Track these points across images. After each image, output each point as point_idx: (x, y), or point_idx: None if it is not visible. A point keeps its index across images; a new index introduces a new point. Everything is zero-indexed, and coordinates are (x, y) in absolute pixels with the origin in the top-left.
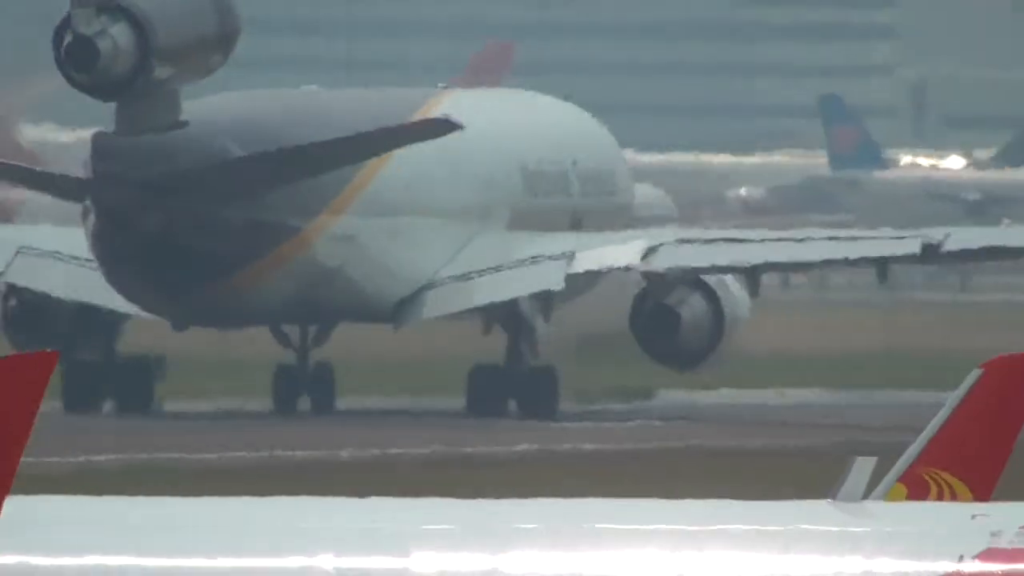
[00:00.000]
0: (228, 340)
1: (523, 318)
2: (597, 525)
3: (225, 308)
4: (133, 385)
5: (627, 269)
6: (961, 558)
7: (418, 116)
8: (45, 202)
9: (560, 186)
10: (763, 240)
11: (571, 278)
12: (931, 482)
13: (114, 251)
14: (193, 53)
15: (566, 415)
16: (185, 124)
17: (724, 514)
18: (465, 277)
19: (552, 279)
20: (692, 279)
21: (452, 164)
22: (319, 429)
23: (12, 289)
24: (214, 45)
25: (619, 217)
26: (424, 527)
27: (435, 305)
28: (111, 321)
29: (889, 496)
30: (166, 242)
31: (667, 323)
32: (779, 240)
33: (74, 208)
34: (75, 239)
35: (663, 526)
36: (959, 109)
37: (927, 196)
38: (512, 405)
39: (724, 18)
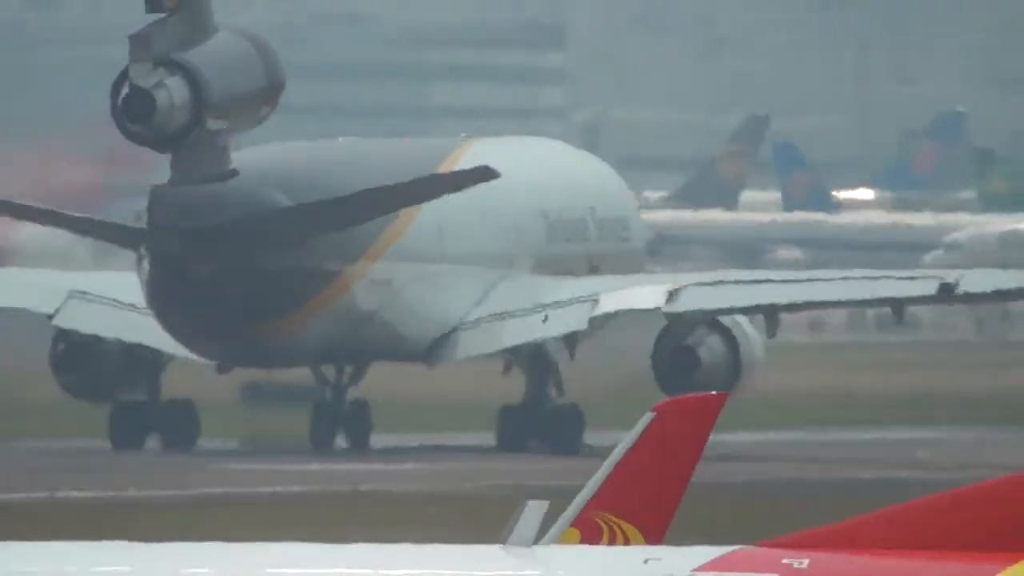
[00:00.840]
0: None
1: (549, 358)
2: (267, 570)
3: (270, 350)
4: (177, 424)
5: (655, 311)
6: None
7: (447, 164)
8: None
9: (579, 232)
10: (781, 281)
11: (593, 320)
12: (604, 526)
13: (167, 296)
14: (243, 105)
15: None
16: (235, 173)
17: (395, 558)
18: (495, 319)
19: (577, 321)
20: (710, 321)
21: (480, 212)
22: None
23: (61, 333)
24: (262, 97)
25: (633, 262)
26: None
27: (467, 346)
28: (155, 363)
29: (562, 540)
30: (216, 288)
31: (687, 363)
32: (794, 281)
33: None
34: (121, 283)
35: (340, 570)
36: (633, 151)
37: None
38: (538, 442)
39: (391, 60)
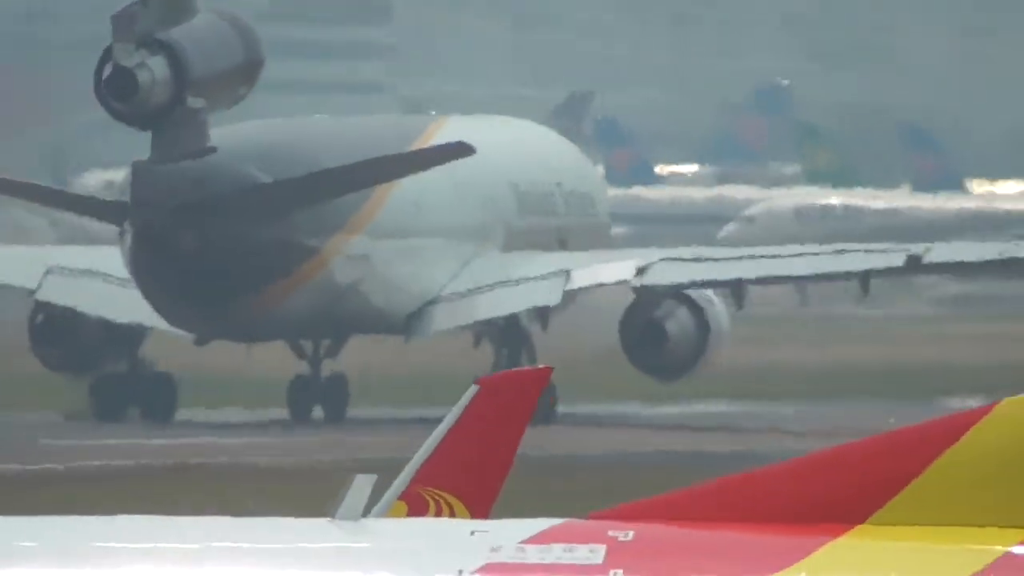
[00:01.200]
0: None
1: (523, 331)
2: (94, 543)
3: (250, 323)
4: (157, 397)
5: (624, 285)
6: (460, 573)
7: (421, 141)
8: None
9: (547, 207)
10: (748, 257)
11: (566, 294)
12: (430, 500)
13: (150, 270)
14: (223, 84)
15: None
16: (214, 150)
17: (220, 531)
18: (471, 292)
19: (551, 295)
20: (678, 295)
21: (453, 186)
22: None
23: (40, 305)
24: (241, 76)
25: (599, 236)
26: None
27: (443, 319)
28: (134, 336)
29: (390, 514)
30: (198, 262)
31: (655, 336)
32: (762, 257)
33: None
34: (99, 257)
35: (156, 544)
36: None
37: None
38: None
39: None
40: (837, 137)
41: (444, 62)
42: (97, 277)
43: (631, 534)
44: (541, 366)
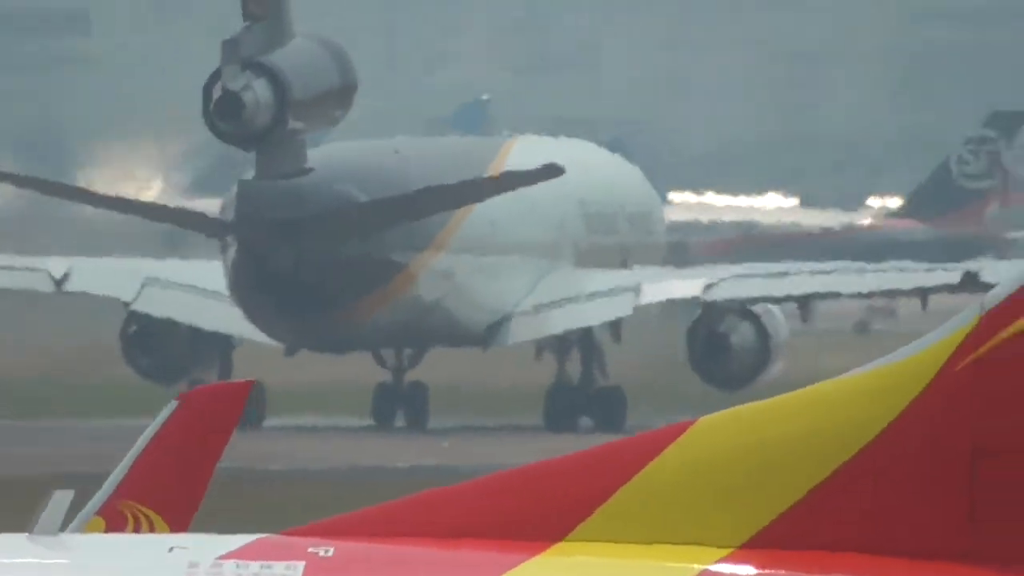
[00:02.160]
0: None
1: (595, 343)
2: None
3: (339, 335)
4: (248, 404)
5: (692, 300)
6: None
7: (497, 162)
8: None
9: (612, 226)
10: (811, 272)
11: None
12: (129, 515)
13: (251, 282)
14: (321, 107)
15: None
16: (311, 170)
17: None
18: (546, 307)
19: (624, 308)
20: (741, 310)
21: (527, 206)
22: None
23: (133, 316)
24: (337, 99)
25: (656, 254)
26: None
27: (520, 332)
28: (224, 347)
29: (88, 529)
30: (295, 275)
31: (719, 349)
32: (823, 273)
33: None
34: (190, 271)
35: None
36: None
37: None
38: (585, 421)
39: None
40: None
41: (149, 74)
42: (190, 290)
43: (331, 550)
44: (242, 380)
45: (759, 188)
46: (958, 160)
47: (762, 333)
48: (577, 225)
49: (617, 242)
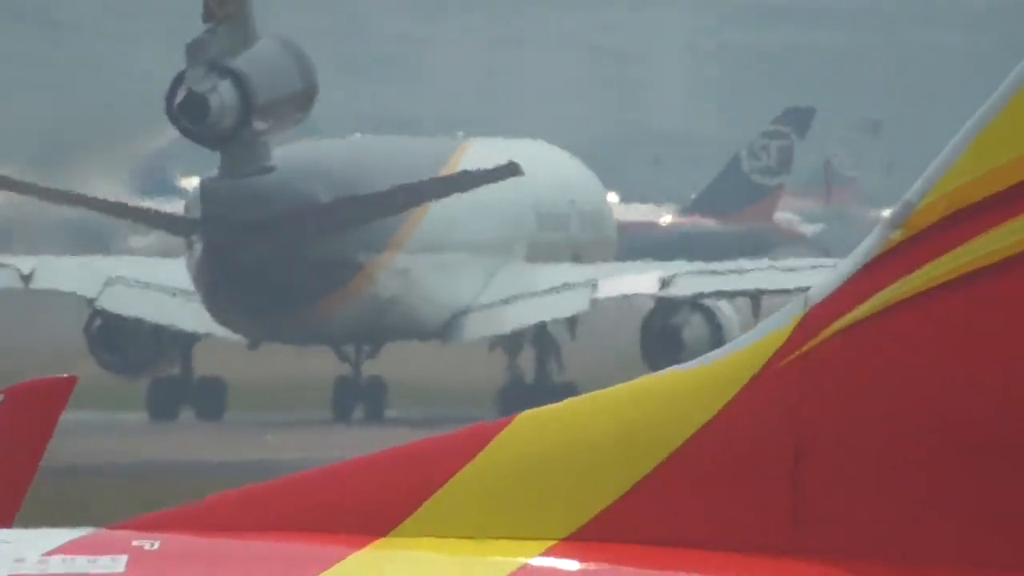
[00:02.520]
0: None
1: (551, 339)
2: None
3: (302, 331)
4: (209, 398)
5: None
6: None
7: (453, 162)
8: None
9: (563, 223)
10: (766, 269)
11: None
12: None
13: (217, 279)
14: (283, 108)
15: None
16: (273, 169)
17: None
18: (502, 302)
19: (580, 303)
20: (692, 304)
21: (480, 204)
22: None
23: (96, 312)
24: (299, 102)
25: (608, 250)
26: None
27: (475, 328)
28: (186, 342)
29: None
30: (260, 273)
31: (672, 343)
32: (774, 269)
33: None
34: (149, 268)
35: None
36: None
37: None
38: None
39: None
40: None
41: None
42: (152, 288)
43: (157, 544)
44: (66, 375)
45: None
46: (749, 155)
47: (715, 327)
48: (530, 223)
49: (569, 239)
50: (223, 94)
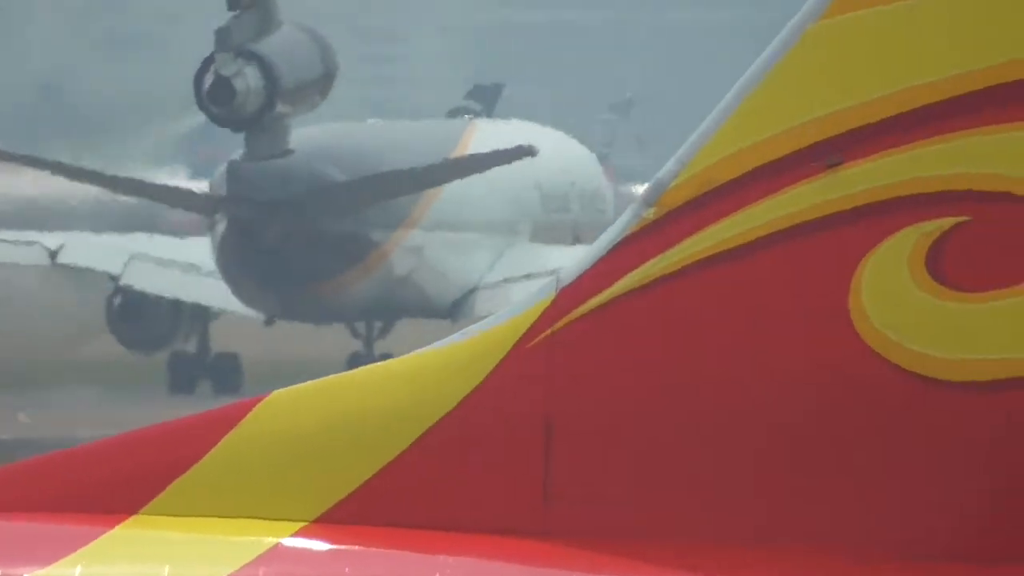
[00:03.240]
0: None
1: None
2: None
3: (319, 308)
4: (225, 373)
5: None
6: None
7: (462, 144)
8: None
9: (565, 204)
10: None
11: None
12: None
13: (240, 257)
14: (305, 93)
15: None
16: (292, 152)
17: None
18: (508, 281)
19: None
20: None
21: (488, 185)
22: None
23: (118, 288)
24: (320, 86)
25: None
26: None
27: (484, 307)
28: (204, 318)
29: None
30: (281, 251)
31: None
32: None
33: None
34: (171, 246)
35: None
36: None
37: None
38: None
39: None
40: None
41: None
42: (174, 265)
43: None
44: None
45: None
46: None
47: None
48: (533, 204)
49: (570, 219)
50: (249, 78)
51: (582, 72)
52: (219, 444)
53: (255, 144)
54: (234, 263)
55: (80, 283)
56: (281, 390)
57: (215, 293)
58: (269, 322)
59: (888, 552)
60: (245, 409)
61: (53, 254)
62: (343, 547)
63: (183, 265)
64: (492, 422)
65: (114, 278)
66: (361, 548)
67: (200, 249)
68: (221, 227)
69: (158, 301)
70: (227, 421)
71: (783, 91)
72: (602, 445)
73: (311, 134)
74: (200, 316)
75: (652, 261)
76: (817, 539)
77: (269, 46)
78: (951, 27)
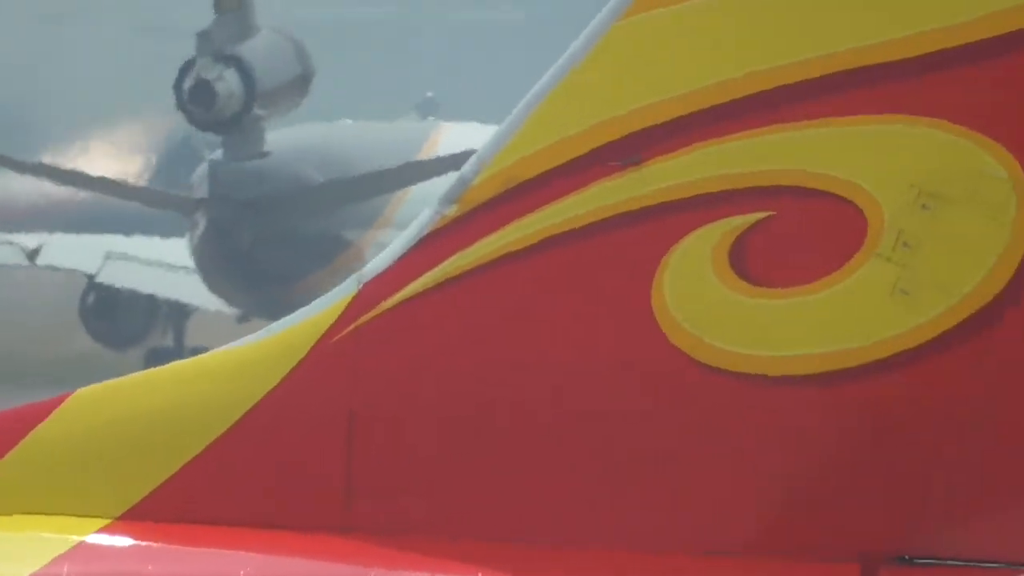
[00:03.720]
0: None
1: None
2: None
3: (293, 304)
4: None
5: None
6: None
7: (430, 145)
8: None
9: None
10: None
11: None
12: None
13: (219, 255)
14: (283, 95)
15: None
16: (268, 153)
17: None
18: None
19: None
20: None
21: (450, 183)
22: None
23: (91, 285)
24: (297, 88)
25: None
26: None
27: None
28: (179, 315)
29: None
30: (258, 250)
31: None
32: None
33: None
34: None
35: None
36: None
37: None
38: None
39: None
40: None
41: None
42: (148, 263)
43: None
44: None
45: None
46: None
47: None
48: None
49: None
50: (229, 81)
51: (380, 71)
52: (22, 442)
53: (234, 145)
54: (213, 262)
55: (59, 283)
56: (84, 388)
57: (192, 290)
58: (242, 319)
59: (693, 547)
60: (49, 408)
61: (32, 254)
62: (147, 543)
63: (160, 263)
64: (296, 418)
65: (90, 276)
66: (164, 545)
67: (177, 248)
68: (201, 227)
69: (132, 297)
70: (30, 419)
71: (584, 89)
72: (405, 441)
73: (287, 135)
74: (175, 313)
75: (453, 258)
76: (621, 537)
77: (248, 50)
78: (750, 25)
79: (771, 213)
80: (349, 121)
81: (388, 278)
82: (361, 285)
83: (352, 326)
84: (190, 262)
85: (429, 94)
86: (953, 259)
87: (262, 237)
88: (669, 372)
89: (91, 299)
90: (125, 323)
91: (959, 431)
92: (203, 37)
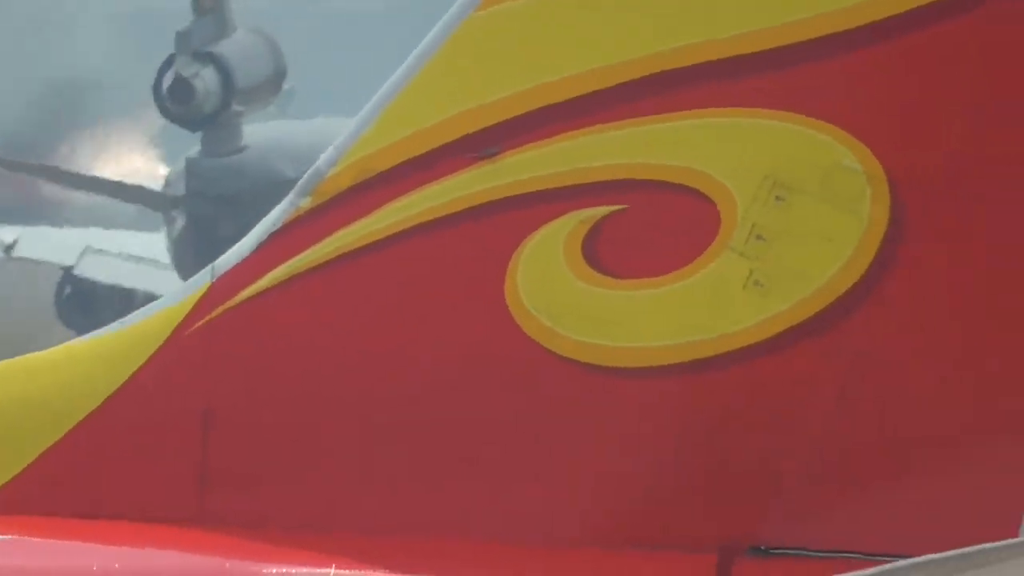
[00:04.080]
0: None
1: None
2: None
3: None
4: None
5: None
6: None
7: None
8: None
9: None
10: None
11: None
12: None
13: (196, 251)
14: (258, 92)
15: None
16: (245, 148)
17: None
18: None
19: None
20: None
21: None
22: None
23: (67, 278)
24: (271, 86)
25: None
26: None
27: None
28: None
29: None
30: (231, 244)
31: None
32: None
33: None
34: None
35: None
36: None
37: None
38: None
39: None
40: None
41: None
42: (125, 257)
43: None
44: None
45: None
46: None
47: None
48: None
49: None
50: (207, 79)
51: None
52: None
53: (210, 141)
54: (189, 257)
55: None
56: None
57: (169, 286)
58: None
59: (548, 540)
60: None
61: (8, 248)
62: None
63: (136, 258)
64: (148, 410)
65: (66, 268)
66: (15, 537)
67: (154, 242)
68: (179, 222)
69: (109, 289)
70: None
71: (441, 80)
72: (259, 434)
73: (261, 130)
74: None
75: (306, 251)
76: (477, 528)
77: (225, 49)
78: (604, 18)
79: (625, 206)
80: (322, 118)
81: (242, 270)
82: (214, 278)
83: (206, 319)
84: (167, 257)
85: (287, 85)
86: (807, 251)
87: (241, 232)
88: (524, 363)
89: (67, 292)
90: (102, 317)
91: (812, 422)
92: (181, 36)
